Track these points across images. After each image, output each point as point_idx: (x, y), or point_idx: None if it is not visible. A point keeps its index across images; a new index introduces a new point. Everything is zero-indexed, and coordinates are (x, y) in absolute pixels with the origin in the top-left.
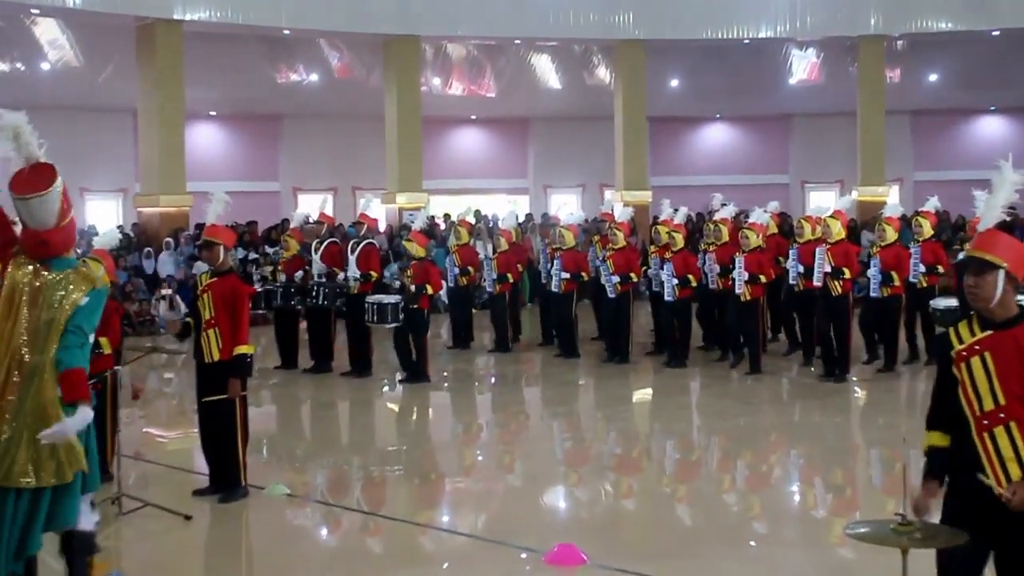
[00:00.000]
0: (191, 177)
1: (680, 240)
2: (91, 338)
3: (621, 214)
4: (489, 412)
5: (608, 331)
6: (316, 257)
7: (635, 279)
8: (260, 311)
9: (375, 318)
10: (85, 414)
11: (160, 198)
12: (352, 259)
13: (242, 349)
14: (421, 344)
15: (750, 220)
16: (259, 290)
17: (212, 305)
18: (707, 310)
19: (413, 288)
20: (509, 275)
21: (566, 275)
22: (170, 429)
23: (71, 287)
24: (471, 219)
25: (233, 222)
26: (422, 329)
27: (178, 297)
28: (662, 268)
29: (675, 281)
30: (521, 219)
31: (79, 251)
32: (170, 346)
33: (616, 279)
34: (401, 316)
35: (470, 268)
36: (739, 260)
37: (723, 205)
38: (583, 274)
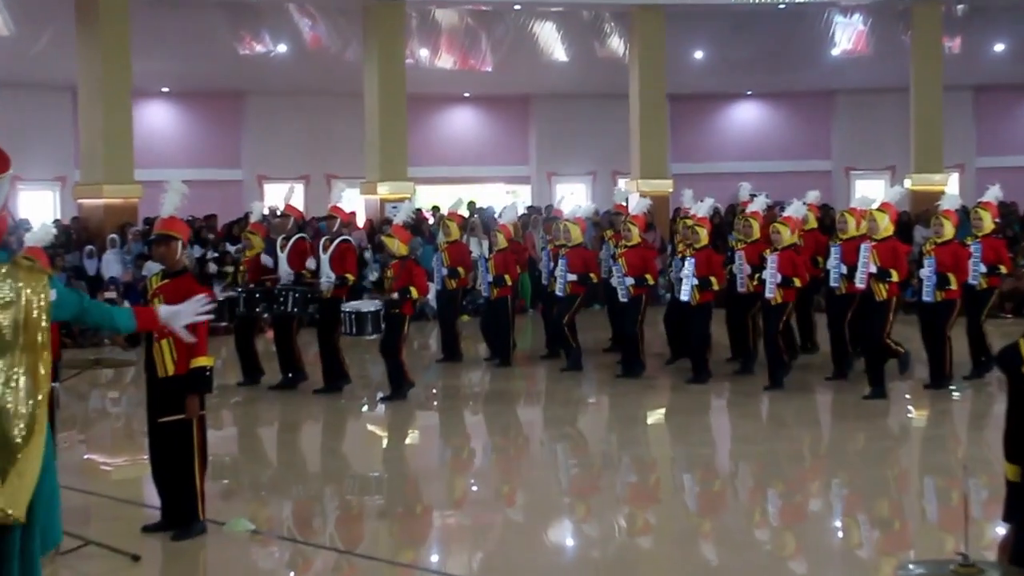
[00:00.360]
0: (140, 164)
1: (704, 236)
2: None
3: (637, 206)
4: (484, 435)
5: (619, 341)
6: (283, 256)
7: (651, 281)
8: (221, 322)
9: (353, 328)
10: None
11: (104, 188)
12: (324, 259)
13: (200, 361)
14: (396, 353)
15: (784, 214)
16: (220, 298)
17: None
18: (737, 317)
19: (396, 294)
20: (507, 277)
21: (572, 276)
22: (116, 455)
23: (23, 285)
24: (463, 212)
25: (189, 216)
26: (396, 337)
27: (126, 302)
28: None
29: (695, 281)
30: (522, 212)
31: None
32: (116, 358)
33: (630, 281)
34: (383, 326)
35: (460, 269)
36: (771, 260)
37: (753, 196)
38: (592, 275)
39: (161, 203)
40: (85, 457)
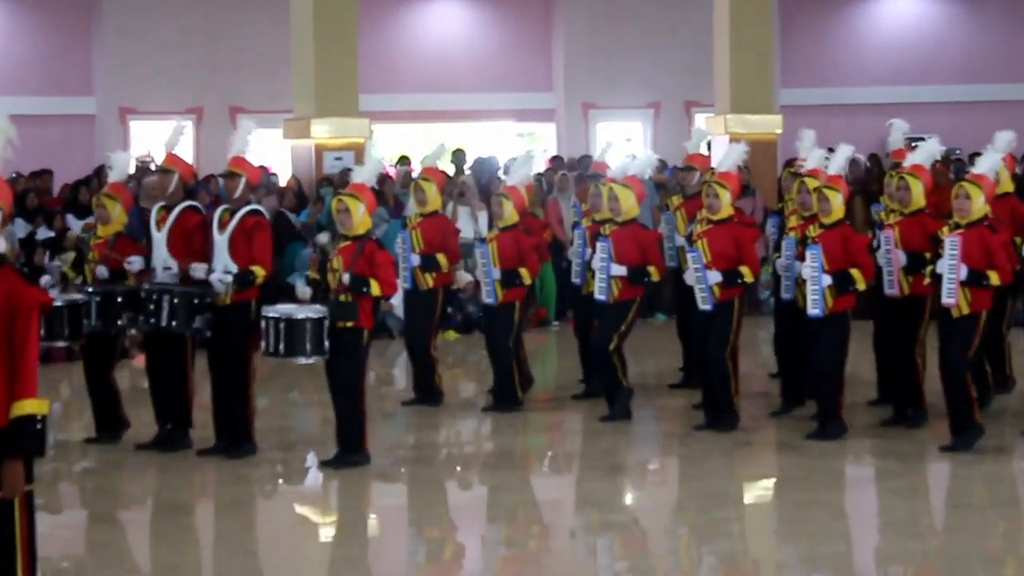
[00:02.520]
0: None
1: (837, 204)
2: None
3: (726, 157)
4: (481, 522)
5: (701, 372)
6: (160, 236)
7: (749, 278)
8: (59, 342)
9: (281, 346)
10: None
11: None
12: (221, 241)
13: (26, 407)
14: (353, 394)
15: (973, 170)
16: (57, 301)
17: None
18: (888, 336)
19: (345, 295)
20: (522, 271)
21: (619, 270)
22: None
23: None
24: (447, 166)
25: (13, 173)
26: (352, 366)
27: None
28: (800, 256)
29: (827, 280)
30: (542, 167)
31: None
32: None
33: (715, 278)
34: (327, 343)
35: (441, 257)
36: (949, 243)
37: (912, 142)
38: (651, 269)
39: None
40: None
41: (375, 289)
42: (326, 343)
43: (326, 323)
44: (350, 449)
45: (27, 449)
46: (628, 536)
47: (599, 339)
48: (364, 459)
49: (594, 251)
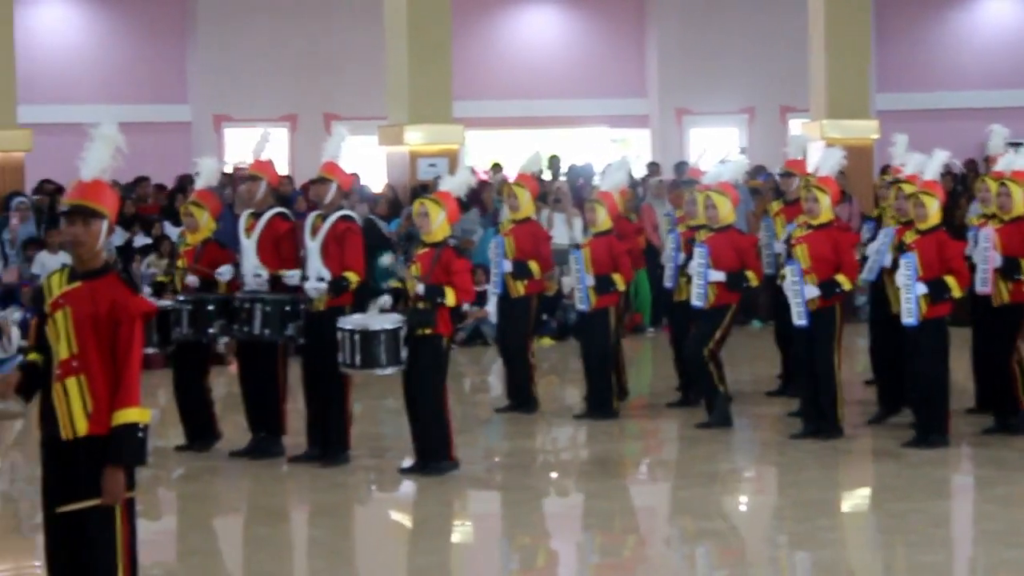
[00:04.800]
0: (28, 99)
1: (933, 210)
2: None
3: (825, 162)
4: (576, 530)
5: (801, 381)
6: (250, 244)
7: (847, 286)
8: (148, 348)
9: (357, 358)
10: None
11: None
12: (313, 248)
13: (128, 416)
14: (433, 402)
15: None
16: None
17: (72, 332)
18: (986, 343)
19: (422, 303)
20: (615, 277)
21: (718, 276)
22: None
23: None
24: (541, 173)
25: (111, 180)
26: (431, 374)
27: (11, 317)
28: (896, 261)
29: (921, 288)
30: (637, 173)
31: None
32: None
33: (813, 292)
34: (404, 354)
35: (533, 264)
36: None
37: (1014, 145)
38: (749, 274)
39: (81, 158)
40: None
41: (450, 298)
42: (403, 353)
43: (402, 333)
44: (433, 457)
45: (128, 458)
46: (725, 545)
47: (693, 346)
48: (452, 466)
49: (689, 257)
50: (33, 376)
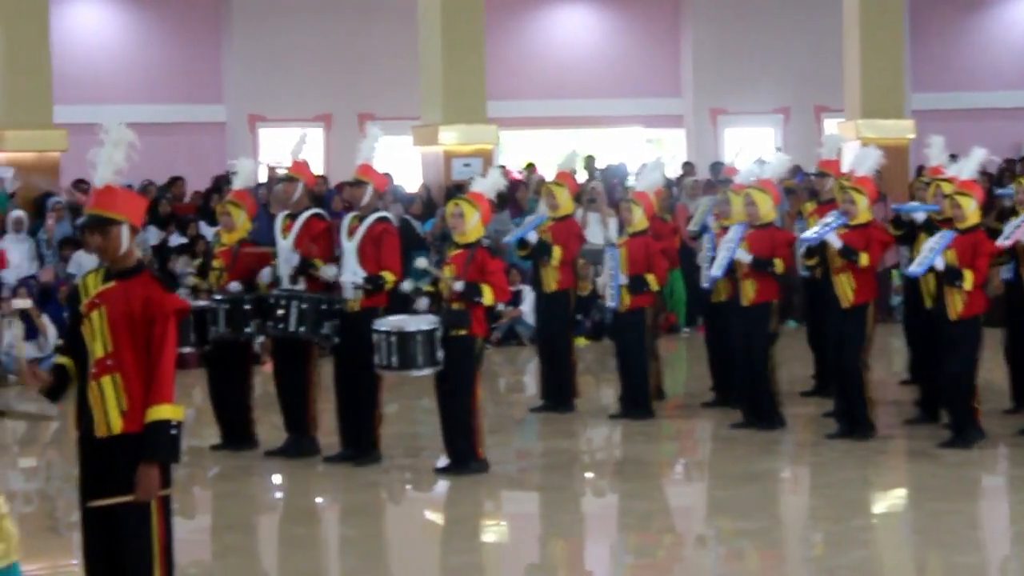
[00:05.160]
0: (63, 99)
1: (971, 211)
2: None
3: (862, 162)
4: (611, 529)
5: (831, 379)
6: (285, 244)
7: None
8: (185, 348)
9: (394, 359)
10: None
11: (6, 135)
12: (350, 248)
13: (162, 412)
14: (464, 403)
15: None
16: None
17: (107, 331)
18: (1018, 343)
19: (454, 297)
20: (649, 278)
21: (744, 256)
22: (28, 560)
23: None
24: (577, 172)
25: (144, 181)
26: (464, 375)
27: (45, 318)
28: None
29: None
30: (671, 173)
31: None
32: (28, 410)
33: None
34: (440, 354)
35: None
36: None
37: None
38: (777, 261)
39: (93, 161)
40: None
41: (488, 297)
42: (439, 354)
43: (438, 334)
44: (462, 458)
45: (162, 454)
46: (760, 545)
47: (741, 341)
48: (481, 466)
49: (727, 255)
50: (62, 378)
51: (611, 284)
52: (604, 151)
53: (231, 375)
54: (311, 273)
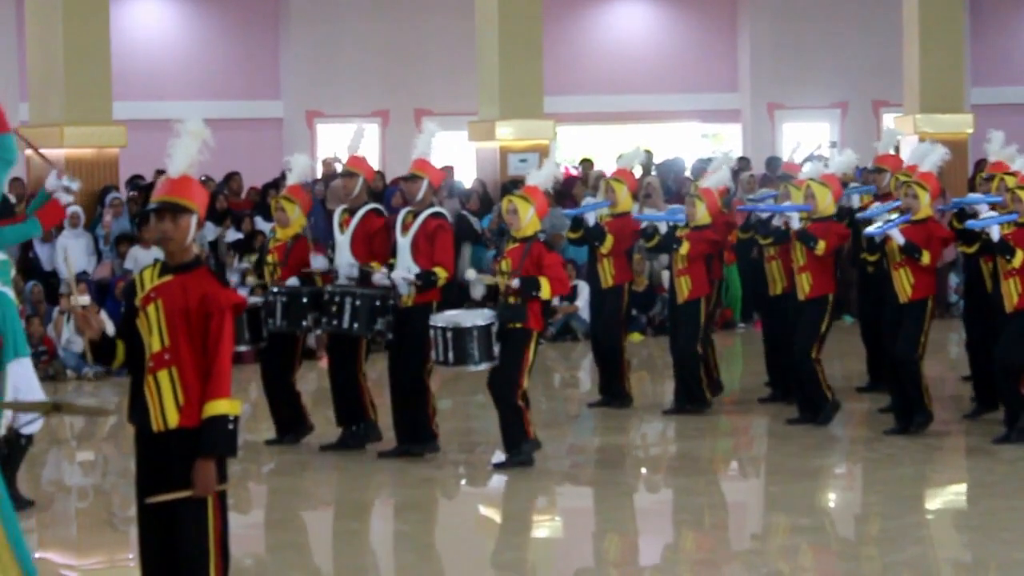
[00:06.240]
0: (122, 95)
1: None
2: None
3: (926, 157)
4: (666, 525)
5: (885, 374)
6: (344, 239)
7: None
8: (240, 346)
9: (449, 355)
10: None
11: (65, 131)
12: (404, 244)
13: (219, 407)
14: (510, 392)
15: None
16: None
17: (164, 325)
18: None
19: (513, 297)
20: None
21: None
22: (85, 555)
23: None
24: (636, 168)
25: (202, 176)
26: (515, 366)
27: (104, 313)
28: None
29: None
30: (729, 168)
31: None
32: (85, 404)
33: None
34: (497, 349)
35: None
36: None
37: None
38: (821, 243)
39: (168, 154)
40: (37, 556)
41: (545, 290)
42: (495, 349)
43: (494, 329)
44: (516, 452)
45: (219, 449)
46: (815, 541)
47: (800, 335)
48: (533, 446)
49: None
50: (111, 346)
51: (668, 278)
52: (661, 146)
53: (284, 369)
54: (367, 273)
